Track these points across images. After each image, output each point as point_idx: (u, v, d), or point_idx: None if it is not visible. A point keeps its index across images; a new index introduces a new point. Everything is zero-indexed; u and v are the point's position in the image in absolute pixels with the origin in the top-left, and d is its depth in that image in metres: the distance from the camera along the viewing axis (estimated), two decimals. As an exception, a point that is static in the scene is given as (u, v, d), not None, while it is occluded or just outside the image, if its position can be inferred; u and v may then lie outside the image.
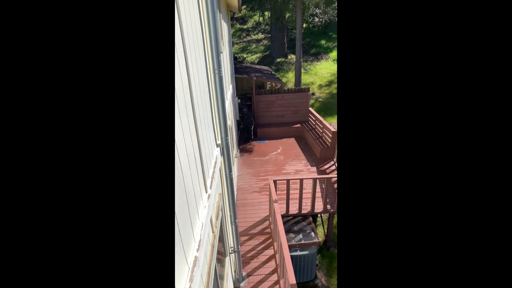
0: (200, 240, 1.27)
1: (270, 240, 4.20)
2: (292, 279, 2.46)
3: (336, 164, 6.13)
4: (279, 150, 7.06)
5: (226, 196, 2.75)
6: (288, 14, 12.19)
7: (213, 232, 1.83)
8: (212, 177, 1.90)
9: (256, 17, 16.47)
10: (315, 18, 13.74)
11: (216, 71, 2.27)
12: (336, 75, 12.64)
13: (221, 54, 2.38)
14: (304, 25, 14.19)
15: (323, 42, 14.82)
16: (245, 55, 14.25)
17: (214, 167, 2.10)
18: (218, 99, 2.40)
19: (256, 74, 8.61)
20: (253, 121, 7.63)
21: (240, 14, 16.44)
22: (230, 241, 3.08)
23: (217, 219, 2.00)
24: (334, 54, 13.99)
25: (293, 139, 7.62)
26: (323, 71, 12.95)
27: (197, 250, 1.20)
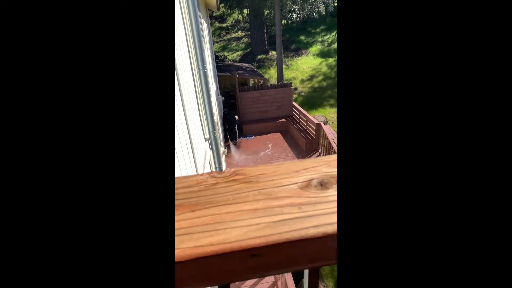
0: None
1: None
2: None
3: (321, 154, 6.34)
4: (269, 145, 7.15)
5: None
6: (266, 11, 12.29)
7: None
8: (203, 168, 1.95)
9: (235, 15, 16.42)
10: (293, 14, 13.93)
11: (201, 67, 2.32)
12: (317, 69, 12.92)
13: (204, 52, 2.42)
14: (283, 21, 14.34)
15: (302, 37, 15.07)
16: (226, 54, 14.20)
17: (205, 159, 2.15)
18: (204, 95, 2.44)
19: (238, 71, 8.64)
20: (236, 120, 7.56)
21: (218, 13, 16.32)
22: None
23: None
24: (314, 49, 14.29)
25: (279, 134, 7.75)
26: (304, 66, 13.20)
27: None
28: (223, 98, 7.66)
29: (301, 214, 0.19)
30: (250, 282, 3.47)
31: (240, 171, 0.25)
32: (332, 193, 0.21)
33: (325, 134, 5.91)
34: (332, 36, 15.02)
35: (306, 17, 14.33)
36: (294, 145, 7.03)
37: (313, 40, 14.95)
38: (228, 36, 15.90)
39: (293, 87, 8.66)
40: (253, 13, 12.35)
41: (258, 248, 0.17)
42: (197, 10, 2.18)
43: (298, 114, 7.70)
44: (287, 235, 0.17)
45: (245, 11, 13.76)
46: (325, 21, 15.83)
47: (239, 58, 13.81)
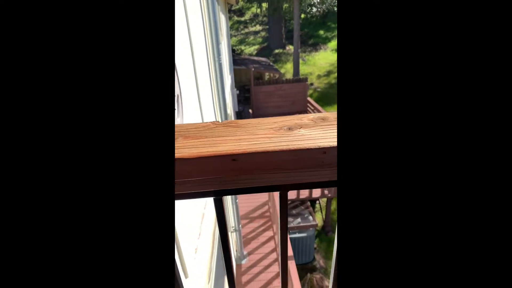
0: (205, 202, 1.46)
1: (270, 223, 4.42)
2: (289, 250, 2.67)
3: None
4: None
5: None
6: (285, 5, 12.17)
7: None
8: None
9: (253, 9, 16.37)
10: (313, 8, 13.68)
11: (216, 59, 2.42)
12: (335, 65, 12.69)
13: (220, 44, 2.52)
14: (302, 15, 14.14)
15: (321, 32, 14.80)
16: (243, 47, 14.25)
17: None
18: (218, 85, 2.55)
19: (254, 65, 8.69)
20: (250, 115, 7.63)
21: (237, 6, 16.34)
22: (231, 220, 3.27)
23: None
24: (332, 44, 14.01)
25: (291, 129, 7.78)
26: (322, 61, 13.00)
27: (204, 208, 1.39)
28: (238, 92, 7.79)
29: (268, 140, 0.28)
30: (255, 270, 3.62)
31: (233, 121, 0.34)
32: (294, 133, 0.30)
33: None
34: (352, 31, 14.58)
35: (326, 11, 14.02)
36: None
37: (333, 35, 14.62)
38: (246, 30, 15.92)
39: (309, 82, 8.60)
40: (271, 7, 12.28)
41: (236, 155, 0.26)
42: (215, 1, 2.27)
43: (312, 110, 7.67)
44: (255, 149, 0.26)
45: (264, 4, 13.70)
46: (345, 16, 15.36)
47: (256, 52, 13.82)
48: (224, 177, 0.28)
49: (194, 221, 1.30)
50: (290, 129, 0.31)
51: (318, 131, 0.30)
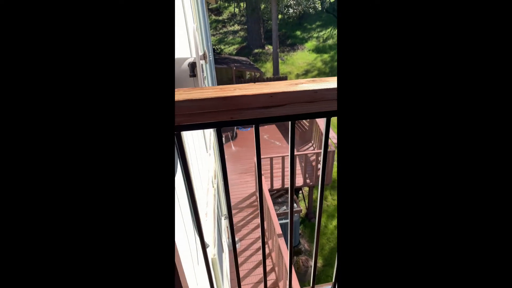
0: (209, 179, 1.69)
1: (257, 212, 4.69)
2: (278, 230, 2.96)
3: (314, 145, 6.73)
4: (266, 136, 7.54)
5: (218, 167, 3.14)
6: (263, 5, 12.51)
7: (213, 187, 2.24)
8: (210, 141, 2.29)
9: (231, 8, 16.52)
10: (290, 9, 14.16)
11: (207, 56, 2.62)
12: (312, 64, 13.29)
13: (209, 40, 2.72)
14: (280, 16, 14.57)
15: (298, 32, 15.36)
16: (222, 47, 14.37)
17: (210, 136, 2.49)
18: (209, 82, 2.75)
19: (235, 64, 8.90)
20: None
21: (215, 5, 16.38)
22: (223, 208, 3.50)
23: (215, 178, 2.41)
24: (309, 44, 14.62)
25: (274, 126, 8.12)
26: (300, 61, 13.53)
27: (207, 183, 1.61)
28: (220, 90, 7.95)
29: (286, 88, 0.53)
30: (247, 253, 3.87)
31: (264, 82, 0.59)
32: (299, 86, 0.56)
33: (318, 126, 6.30)
34: (328, 32, 15.32)
35: (302, 12, 14.58)
36: (288, 136, 7.39)
37: (309, 36, 15.24)
38: (225, 29, 16.04)
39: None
40: (250, 6, 12.56)
41: (272, 93, 0.51)
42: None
43: (292, 106, 8.03)
44: (281, 90, 0.51)
45: (242, 4, 13.94)
46: (320, 17, 16.09)
47: (235, 51, 14.00)
48: (264, 107, 0.53)
49: (203, 193, 1.52)
50: (296, 84, 0.57)
51: (311, 85, 0.56)
